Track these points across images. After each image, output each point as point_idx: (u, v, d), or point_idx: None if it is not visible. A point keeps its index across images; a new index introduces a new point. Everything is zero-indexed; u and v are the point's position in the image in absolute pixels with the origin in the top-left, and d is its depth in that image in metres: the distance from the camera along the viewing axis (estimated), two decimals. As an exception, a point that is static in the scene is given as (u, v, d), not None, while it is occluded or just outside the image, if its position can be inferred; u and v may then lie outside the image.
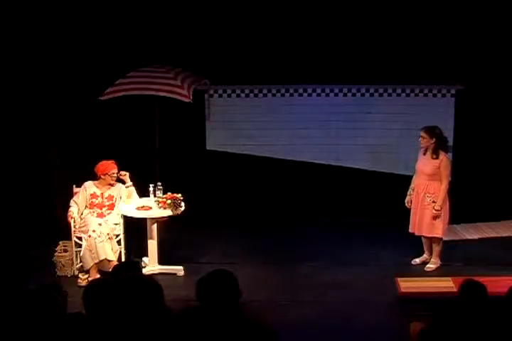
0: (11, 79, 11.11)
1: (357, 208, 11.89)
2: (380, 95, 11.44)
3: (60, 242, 10.19)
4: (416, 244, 10.90)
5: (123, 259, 9.94)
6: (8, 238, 10.20)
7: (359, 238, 11.16)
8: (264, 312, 5.82)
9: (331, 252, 10.76)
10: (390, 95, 11.47)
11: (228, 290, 5.35)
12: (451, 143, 11.38)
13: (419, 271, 9.89)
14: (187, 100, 10.76)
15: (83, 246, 9.85)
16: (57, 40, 11.08)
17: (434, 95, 11.37)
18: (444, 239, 11.20)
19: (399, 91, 11.45)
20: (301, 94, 11.57)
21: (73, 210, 9.99)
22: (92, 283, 6.05)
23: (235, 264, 9.74)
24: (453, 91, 11.31)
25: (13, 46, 11.01)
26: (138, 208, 10.05)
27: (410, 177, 10.87)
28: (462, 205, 11.59)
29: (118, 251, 10.01)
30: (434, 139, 9.88)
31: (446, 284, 9.24)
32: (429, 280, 9.56)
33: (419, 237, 10.41)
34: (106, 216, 10.05)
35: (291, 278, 10.00)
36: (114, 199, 10.12)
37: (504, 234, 11.35)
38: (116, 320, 5.40)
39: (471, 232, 11.47)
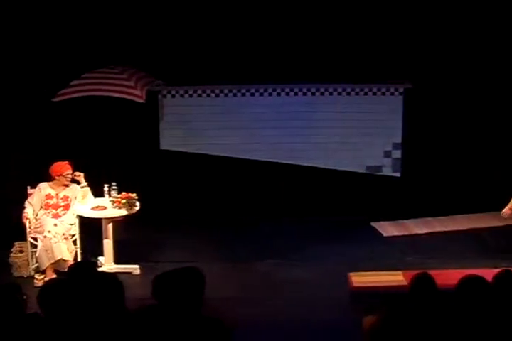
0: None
1: (311, 206, 11.92)
2: (331, 94, 11.48)
3: (16, 243, 10.11)
4: (370, 241, 11.03)
5: (79, 259, 9.89)
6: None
7: (314, 235, 11.17)
8: (223, 309, 5.81)
9: (287, 249, 10.75)
10: (340, 94, 11.49)
11: (185, 288, 5.35)
12: (399, 140, 11.52)
13: (372, 267, 9.92)
14: (140, 101, 10.77)
15: (39, 247, 9.77)
16: (9, 41, 10.98)
17: (383, 94, 11.43)
18: (395, 234, 11.33)
19: (349, 90, 11.48)
20: (253, 94, 11.57)
21: (28, 211, 9.91)
22: (48, 283, 6.01)
23: (192, 262, 9.72)
24: (401, 90, 11.38)
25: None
26: (93, 208, 10.01)
27: (363, 174, 11.00)
28: (412, 201, 11.74)
29: (74, 251, 9.96)
30: None
31: (397, 278, 9.29)
32: (380, 275, 9.59)
33: (373, 234, 10.54)
34: (61, 216, 9.99)
35: (248, 276, 10.03)
36: (69, 199, 10.06)
37: (452, 228, 11.47)
38: (73, 320, 5.37)
39: (420, 227, 11.57)
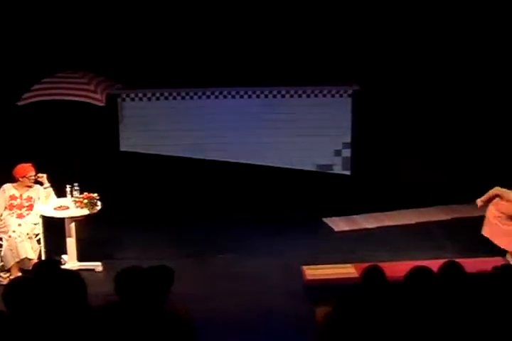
0: None
1: (266, 203, 11.93)
2: (283, 96, 11.51)
3: (-19, 243, 10.06)
4: (322, 236, 11.07)
5: (43, 257, 9.82)
6: None
7: (268, 230, 11.18)
8: (183, 304, 5.81)
9: (243, 245, 10.76)
10: (292, 96, 11.54)
11: (147, 284, 5.35)
12: (349, 140, 11.58)
13: (325, 260, 9.96)
14: (100, 104, 10.73)
15: (4, 246, 9.69)
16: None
17: (333, 96, 11.49)
18: (346, 228, 11.39)
19: (301, 92, 11.52)
20: (208, 97, 11.56)
21: (-8, 212, 9.88)
22: (13, 282, 5.97)
23: (153, 259, 9.73)
24: (350, 92, 11.45)
25: None
26: (56, 208, 9.95)
27: (315, 173, 11.06)
28: (362, 197, 11.81)
29: (38, 250, 9.88)
30: None
31: (349, 271, 9.36)
32: (332, 268, 9.63)
33: (325, 229, 10.62)
34: (25, 216, 9.90)
35: (207, 271, 10.02)
36: (32, 200, 9.98)
37: (400, 222, 11.56)
38: (37, 317, 5.34)
39: (370, 221, 11.64)
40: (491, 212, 10.14)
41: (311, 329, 7.04)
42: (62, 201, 10.11)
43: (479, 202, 10.21)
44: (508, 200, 10.00)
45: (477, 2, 11.11)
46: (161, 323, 5.20)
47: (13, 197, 9.96)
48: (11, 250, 9.63)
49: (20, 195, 9.98)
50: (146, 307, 5.32)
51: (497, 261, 9.15)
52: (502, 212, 10.02)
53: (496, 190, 10.14)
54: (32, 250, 9.75)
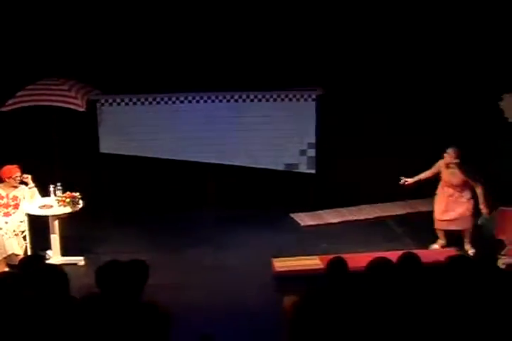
0: None
1: (236, 200, 11.93)
2: (252, 100, 11.52)
3: (-29, 240, 9.98)
4: (289, 230, 11.10)
5: (29, 253, 9.78)
6: None
7: (239, 226, 11.17)
8: (158, 295, 5.80)
9: (214, 239, 10.73)
10: (260, 100, 11.54)
11: (125, 277, 5.34)
12: (313, 140, 11.61)
13: (292, 252, 9.98)
14: (81, 109, 10.69)
15: (-8, 243, 9.70)
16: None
17: (298, 100, 11.50)
18: (311, 223, 11.43)
19: (268, 96, 11.53)
20: (182, 101, 11.54)
21: (-19, 211, 9.82)
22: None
23: (129, 252, 9.72)
24: (314, 96, 11.47)
25: None
26: (40, 207, 9.91)
27: (282, 171, 11.10)
28: (325, 194, 11.85)
29: (24, 246, 9.87)
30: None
31: (315, 262, 9.38)
32: (299, 260, 9.66)
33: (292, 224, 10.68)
34: (11, 215, 9.87)
35: (180, 263, 9.98)
36: (18, 199, 9.94)
37: (361, 217, 11.61)
38: (23, 308, 5.33)
39: (333, 216, 11.67)
40: (444, 196, 10.23)
41: (279, 316, 7.09)
42: (46, 200, 10.06)
43: (411, 180, 10.31)
44: (446, 167, 10.11)
45: (445, 11, 11.15)
46: (138, 312, 5.21)
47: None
48: (-2, 246, 9.61)
49: (7, 195, 9.93)
50: (124, 298, 5.32)
51: (450, 251, 9.23)
52: (452, 184, 10.11)
53: (431, 170, 10.27)
54: (18, 246, 9.74)
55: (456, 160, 10.01)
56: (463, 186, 10.07)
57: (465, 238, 10.23)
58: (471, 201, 10.12)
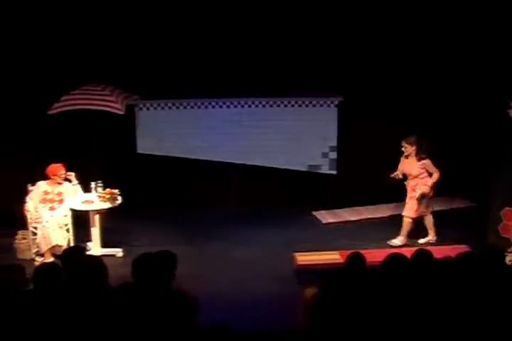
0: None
1: (262, 198, 11.96)
2: (278, 106, 11.50)
3: (19, 232, 10.06)
4: (311, 227, 11.09)
5: (71, 244, 9.85)
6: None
7: (263, 222, 11.16)
8: (184, 285, 5.83)
9: (240, 234, 10.74)
10: (286, 106, 11.55)
11: (157, 268, 5.38)
12: (335, 144, 11.62)
13: (313, 247, 9.98)
14: (120, 113, 10.72)
15: (38, 235, 9.78)
16: (11, 64, 10.94)
17: (321, 106, 11.49)
18: (331, 220, 11.43)
19: (293, 102, 11.53)
20: (213, 106, 11.56)
21: (29, 205, 9.89)
22: (39, 267, 6.01)
23: (162, 245, 9.76)
24: (336, 103, 11.48)
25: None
26: (82, 202, 9.97)
27: (305, 172, 11.07)
28: (345, 194, 11.84)
29: (67, 238, 9.95)
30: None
31: (334, 257, 9.35)
32: (320, 254, 9.62)
33: (313, 221, 10.68)
34: (56, 209, 9.96)
35: (206, 256, 10.03)
36: (62, 195, 10.02)
37: (378, 215, 11.59)
38: (62, 295, 5.38)
39: (353, 215, 11.67)
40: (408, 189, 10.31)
41: (300, 307, 7.10)
42: (87, 196, 10.12)
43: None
44: (406, 158, 10.18)
45: (460, 18, 11.06)
46: (168, 299, 5.25)
47: (46, 193, 10.01)
48: (44, 238, 9.70)
49: (52, 191, 10.02)
50: (156, 286, 5.36)
51: (460, 248, 9.19)
52: (411, 175, 10.17)
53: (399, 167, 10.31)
54: (62, 238, 9.83)
55: (413, 148, 10.03)
56: (421, 176, 10.11)
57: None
58: (430, 194, 10.18)
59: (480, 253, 6.33)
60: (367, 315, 5.53)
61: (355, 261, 6.32)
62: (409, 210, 10.28)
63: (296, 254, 9.60)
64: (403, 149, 10.15)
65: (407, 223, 10.31)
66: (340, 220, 11.42)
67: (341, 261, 8.04)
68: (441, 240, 10.32)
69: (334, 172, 11.78)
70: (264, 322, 7.58)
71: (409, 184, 10.27)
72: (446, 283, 5.86)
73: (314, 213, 11.71)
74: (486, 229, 10.05)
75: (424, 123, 11.69)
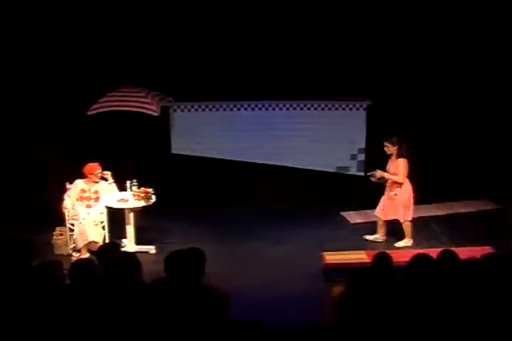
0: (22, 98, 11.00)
1: (291, 198, 11.96)
2: (308, 109, 11.51)
3: (57, 228, 10.13)
4: (339, 226, 11.07)
5: (107, 241, 9.91)
6: (14, 225, 10.11)
7: (293, 221, 11.17)
8: (217, 282, 5.85)
9: (271, 233, 10.75)
10: (316, 109, 11.56)
11: (189, 265, 5.40)
12: (363, 146, 11.58)
13: (341, 247, 9.95)
14: (155, 114, 10.78)
15: (75, 231, 9.87)
16: (54, 70, 11.04)
17: (350, 109, 11.49)
18: (359, 221, 11.38)
19: (323, 105, 11.54)
20: (246, 108, 11.61)
21: (66, 203, 10.00)
22: (77, 262, 6.06)
23: (194, 243, 9.78)
24: (364, 106, 11.46)
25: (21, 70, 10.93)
26: (118, 200, 10.03)
27: (334, 173, 11.05)
28: (373, 194, 11.77)
29: (103, 235, 10.02)
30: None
31: (361, 256, 9.31)
32: (347, 254, 9.59)
33: (341, 221, 10.66)
34: (93, 207, 10.04)
35: (236, 254, 10.04)
36: (99, 193, 10.10)
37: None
38: (97, 289, 5.42)
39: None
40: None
41: (327, 305, 7.09)
42: (123, 194, 10.19)
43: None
44: (390, 159, 10.19)
45: (488, 21, 10.95)
46: (200, 295, 5.26)
47: (82, 191, 10.09)
48: (81, 234, 9.78)
49: (89, 189, 10.10)
50: (188, 282, 5.38)
51: (485, 250, 9.12)
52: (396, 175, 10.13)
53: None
54: (98, 234, 9.90)
55: (395, 147, 10.03)
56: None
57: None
58: (405, 195, 10.14)
59: (504, 255, 6.29)
60: (392, 315, 5.51)
61: (382, 260, 6.29)
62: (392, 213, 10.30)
63: (325, 253, 9.59)
64: (385, 149, 10.15)
65: (406, 225, 10.30)
66: (368, 220, 11.36)
67: (368, 260, 8.02)
68: (464, 241, 10.24)
69: (362, 173, 11.72)
70: (292, 319, 7.56)
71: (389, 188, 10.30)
72: (471, 284, 5.82)
73: (342, 213, 11.69)
74: (510, 230, 9.97)
75: (449, 126, 11.66)
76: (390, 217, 10.35)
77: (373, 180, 10.18)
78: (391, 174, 10.12)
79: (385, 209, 10.32)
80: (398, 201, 10.17)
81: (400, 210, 10.18)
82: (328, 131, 11.53)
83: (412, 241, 10.32)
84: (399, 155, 10.05)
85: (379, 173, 10.10)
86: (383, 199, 10.35)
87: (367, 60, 11.33)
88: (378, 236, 10.53)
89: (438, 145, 11.77)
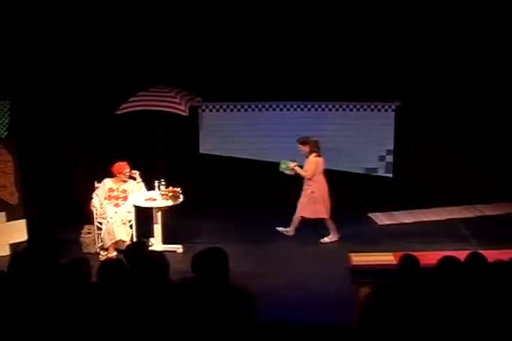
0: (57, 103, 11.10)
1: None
2: (337, 110, 11.53)
3: (85, 226, 10.18)
4: (367, 228, 11.03)
5: (134, 240, 9.96)
6: (44, 223, 10.19)
7: (320, 223, 11.13)
8: (245, 281, 5.85)
9: (297, 233, 10.71)
10: (344, 110, 11.55)
11: (216, 264, 5.40)
12: (392, 147, 11.54)
13: (369, 248, 9.91)
14: (184, 114, 10.82)
15: (103, 230, 9.92)
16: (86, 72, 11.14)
17: (379, 110, 11.47)
18: (387, 222, 11.34)
19: (351, 106, 11.52)
20: (274, 109, 11.64)
21: (95, 201, 10.04)
22: (106, 261, 6.08)
23: (222, 243, 9.82)
24: (393, 107, 11.41)
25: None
26: (146, 199, 10.09)
27: (362, 175, 11.04)
28: (401, 196, 11.75)
29: (130, 234, 10.06)
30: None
31: (388, 258, 9.21)
32: (374, 255, 9.51)
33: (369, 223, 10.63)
34: (120, 206, 10.08)
35: (263, 254, 10.04)
36: (127, 192, 10.14)
37: (433, 219, 11.47)
38: (124, 288, 5.44)
39: (407, 217, 11.57)
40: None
41: (354, 306, 7.07)
42: (151, 194, 10.24)
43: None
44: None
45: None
46: (227, 294, 5.26)
47: (111, 190, 10.14)
48: (109, 233, 9.83)
49: (117, 188, 10.15)
50: (215, 282, 5.39)
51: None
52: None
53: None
54: (125, 233, 9.94)
55: (306, 147, 10.32)
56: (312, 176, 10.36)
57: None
58: (316, 193, 10.37)
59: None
60: (419, 317, 5.48)
61: (408, 262, 6.25)
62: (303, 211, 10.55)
63: (352, 254, 9.53)
64: (300, 150, 10.42)
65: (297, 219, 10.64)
66: (395, 222, 11.33)
67: (395, 262, 7.96)
68: (492, 244, 10.15)
69: (390, 175, 11.70)
70: (318, 319, 7.57)
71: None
72: (499, 286, 5.78)
73: (370, 215, 11.66)
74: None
75: (477, 127, 11.58)
76: (307, 215, 10.53)
77: (288, 172, 10.45)
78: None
79: (302, 206, 10.52)
80: (313, 198, 10.41)
81: (314, 207, 10.44)
82: (357, 132, 11.51)
83: (337, 236, 10.55)
84: (310, 154, 10.31)
85: (292, 165, 10.36)
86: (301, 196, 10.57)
87: (397, 61, 11.30)
88: (289, 229, 10.74)
89: (466, 146, 11.68)
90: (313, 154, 10.37)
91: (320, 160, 10.45)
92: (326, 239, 10.57)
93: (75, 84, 11.08)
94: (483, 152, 11.74)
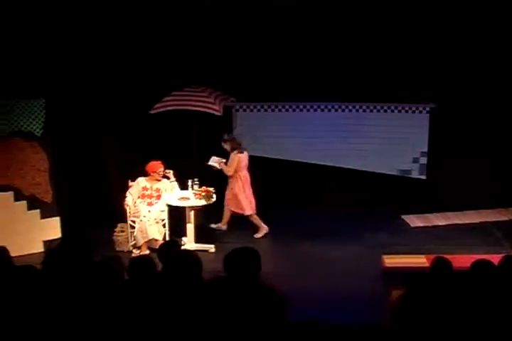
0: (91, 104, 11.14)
1: (353, 200, 11.88)
2: (371, 111, 11.48)
3: (118, 225, 10.24)
4: (400, 230, 10.98)
5: (167, 238, 10.01)
6: (78, 222, 10.28)
7: (353, 224, 11.10)
8: (276, 281, 5.85)
9: (331, 235, 10.70)
10: (379, 111, 11.49)
11: (248, 264, 5.41)
12: (426, 149, 11.48)
13: (401, 250, 9.87)
14: (218, 113, 10.86)
15: (136, 228, 9.97)
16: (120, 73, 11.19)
17: (413, 112, 11.39)
18: (420, 225, 11.27)
19: (386, 108, 11.47)
20: (308, 110, 11.62)
21: (128, 200, 10.10)
22: (136, 258, 6.11)
23: (254, 243, 9.85)
24: (428, 109, 11.34)
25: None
26: (179, 199, 10.13)
27: (396, 176, 11.00)
28: (434, 198, 11.68)
29: (163, 232, 10.11)
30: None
31: (421, 260, 9.22)
32: (407, 258, 9.52)
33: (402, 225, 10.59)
34: (154, 204, 10.13)
35: (296, 255, 10.03)
36: (160, 191, 10.19)
37: (466, 221, 11.38)
38: (155, 286, 5.47)
39: (440, 219, 11.49)
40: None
41: (385, 308, 7.05)
42: (184, 193, 10.28)
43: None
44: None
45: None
46: (259, 294, 5.26)
47: (144, 188, 10.20)
48: (142, 231, 9.88)
49: (151, 187, 10.20)
50: (248, 281, 5.39)
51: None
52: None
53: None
54: (158, 232, 9.98)
55: (228, 144, 10.44)
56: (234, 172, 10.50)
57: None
58: (234, 189, 10.50)
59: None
60: (451, 320, 5.45)
61: (441, 265, 6.22)
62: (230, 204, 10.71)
63: (384, 256, 9.53)
64: (224, 148, 10.53)
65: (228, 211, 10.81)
66: (429, 225, 11.26)
67: (427, 264, 7.93)
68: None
69: (424, 177, 11.63)
70: (349, 320, 7.54)
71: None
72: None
73: (403, 217, 11.58)
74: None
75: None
76: (233, 209, 10.70)
77: (213, 167, 10.47)
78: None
79: (227, 202, 10.66)
80: (234, 194, 10.54)
81: (236, 203, 10.59)
82: (391, 134, 11.45)
83: (266, 229, 10.74)
84: (232, 151, 10.41)
85: (216, 160, 10.44)
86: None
87: (432, 63, 11.23)
88: (220, 225, 10.85)
89: (500, 148, 11.58)
90: (235, 151, 10.45)
91: (242, 156, 10.54)
92: (259, 235, 10.71)
93: (110, 84, 11.12)
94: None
